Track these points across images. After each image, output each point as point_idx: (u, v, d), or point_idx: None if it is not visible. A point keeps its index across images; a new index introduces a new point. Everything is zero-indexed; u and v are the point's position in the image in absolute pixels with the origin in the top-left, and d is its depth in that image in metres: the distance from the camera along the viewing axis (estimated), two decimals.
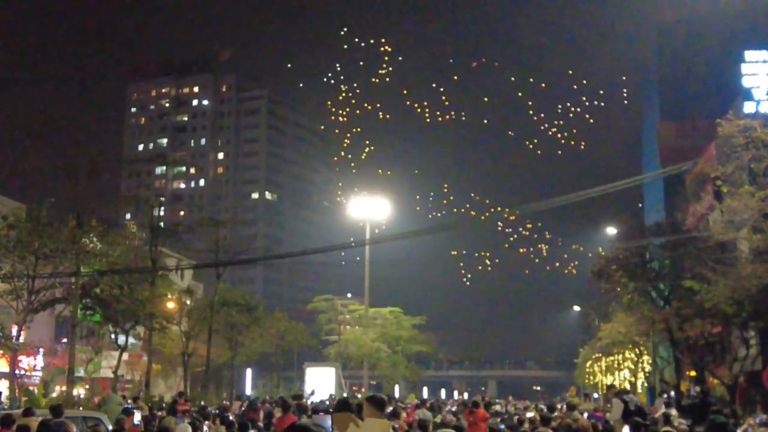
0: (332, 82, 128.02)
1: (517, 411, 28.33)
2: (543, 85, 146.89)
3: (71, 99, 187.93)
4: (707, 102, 54.90)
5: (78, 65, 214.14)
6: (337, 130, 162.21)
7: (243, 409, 23.63)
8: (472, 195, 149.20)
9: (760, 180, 21.84)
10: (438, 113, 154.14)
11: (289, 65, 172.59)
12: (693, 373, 36.84)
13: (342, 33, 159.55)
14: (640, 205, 78.63)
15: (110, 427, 15.84)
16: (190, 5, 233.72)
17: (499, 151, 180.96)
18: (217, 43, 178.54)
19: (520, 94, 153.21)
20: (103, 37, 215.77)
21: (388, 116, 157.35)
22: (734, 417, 23.34)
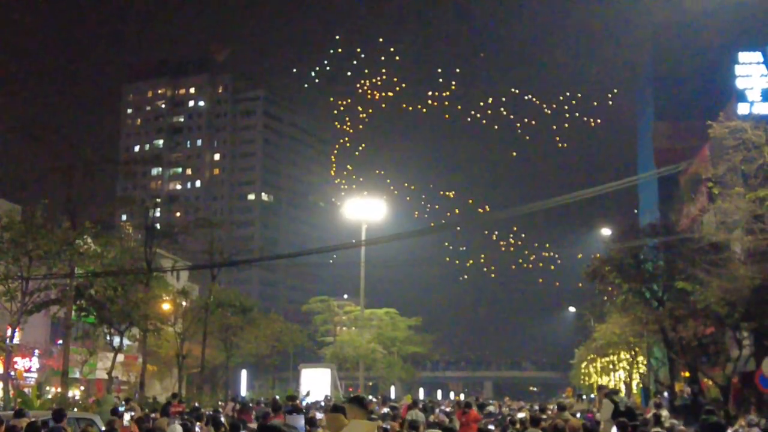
0: (333, 73, 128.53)
1: (511, 412, 28.39)
2: (531, 98, 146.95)
3: (67, 99, 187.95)
4: (702, 103, 54.96)
5: (74, 66, 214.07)
6: (341, 135, 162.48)
7: (235, 410, 23.68)
8: (463, 201, 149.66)
9: (752, 181, 21.90)
10: (434, 110, 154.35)
11: (285, 66, 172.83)
12: (687, 374, 36.93)
13: (337, 35, 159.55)
14: (636, 211, 78.88)
15: (103, 428, 15.86)
16: (187, 6, 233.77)
17: (494, 152, 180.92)
18: (214, 43, 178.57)
19: (516, 90, 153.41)
20: (99, 37, 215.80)
21: (382, 116, 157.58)
22: (727, 418, 23.41)
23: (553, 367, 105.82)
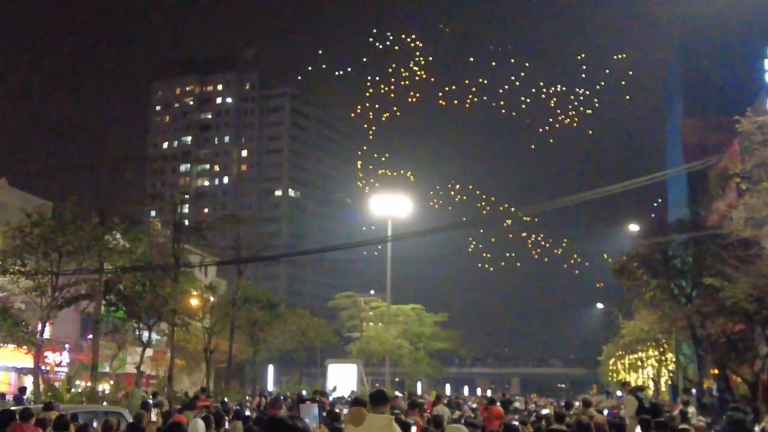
0: (357, 71, 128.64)
1: (537, 408, 28.35)
2: (562, 87, 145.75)
3: (96, 97, 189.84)
4: (731, 98, 54.43)
5: (103, 64, 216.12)
6: (364, 125, 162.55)
7: (262, 404, 23.85)
8: (488, 197, 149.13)
9: None
10: (455, 102, 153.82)
11: (311, 63, 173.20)
12: (716, 371, 36.67)
13: (363, 33, 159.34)
14: (656, 203, 78.29)
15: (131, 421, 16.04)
16: (214, 4, 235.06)
17: (521, 149, 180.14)
18: (241, 41, 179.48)
19: (541, 85, 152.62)
20: (127, 35, 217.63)
21: (402, 110, 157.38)
22: (756, 414, 23.20)
23: (581, 363, 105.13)
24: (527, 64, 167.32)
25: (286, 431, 4.10)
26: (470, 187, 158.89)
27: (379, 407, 7.77)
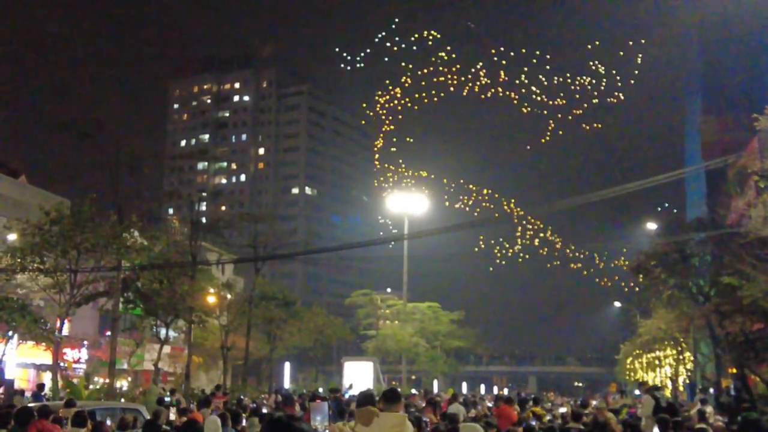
0: (374, 69, 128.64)
1: (553, 407, 28.30)
2: (579, 80, 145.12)
3: (114, 96, 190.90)
4: (750, 95, 54.04)
5: (120, 63, 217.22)
6: (381, 124, 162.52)
7: (278, 402, 23.91)
8: (501, 195, 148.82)
9: None
10: (477, 90, 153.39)
11: (328, 61, 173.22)
12: (734, 370, 36.44)
13: (371, 32, 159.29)
14: (668, 204, 77.77)
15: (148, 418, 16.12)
16: (231, 2, 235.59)
17: (538, 147, 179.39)
18: (258, 39, 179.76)
19: (554, 80, 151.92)
20: (145, 34, 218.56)
21: (420, 107, 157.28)
22: None
23: (598, 362, 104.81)
24: (535, 58, 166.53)
25: (285, 431, 4.05)
26: (471, 184, 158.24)
27: (391, 405, 7.69)
